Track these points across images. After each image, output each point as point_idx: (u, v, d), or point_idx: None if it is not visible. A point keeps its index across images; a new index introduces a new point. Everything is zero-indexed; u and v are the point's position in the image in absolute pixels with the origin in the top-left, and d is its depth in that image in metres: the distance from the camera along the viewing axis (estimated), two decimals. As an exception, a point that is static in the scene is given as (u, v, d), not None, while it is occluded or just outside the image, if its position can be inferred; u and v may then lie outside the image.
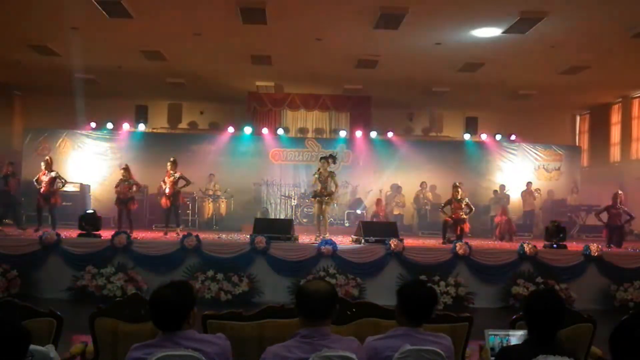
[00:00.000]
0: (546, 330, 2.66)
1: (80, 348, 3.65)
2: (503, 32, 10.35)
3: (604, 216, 11.31)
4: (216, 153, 15.49)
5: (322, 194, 10.55)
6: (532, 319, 2.70)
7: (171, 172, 10.98)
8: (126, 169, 11.09)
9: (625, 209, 11.21)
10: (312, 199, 11.13)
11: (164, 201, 11.08)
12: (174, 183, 10.94)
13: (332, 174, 10.65)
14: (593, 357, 3.77)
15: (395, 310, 3.08)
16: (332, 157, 10.73)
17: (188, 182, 11.20)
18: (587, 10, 9.41)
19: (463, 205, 10.90)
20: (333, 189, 10.68)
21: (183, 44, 11.84)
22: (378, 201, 14.30)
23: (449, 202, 11.06)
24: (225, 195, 14.58)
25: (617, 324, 2.19)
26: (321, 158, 10.81)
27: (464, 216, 10.87)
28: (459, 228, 10.75)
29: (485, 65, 12.68)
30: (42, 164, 10.94)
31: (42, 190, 10.74)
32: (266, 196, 15.50)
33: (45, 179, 10.74)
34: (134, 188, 11.11)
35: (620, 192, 11.39)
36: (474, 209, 11.54)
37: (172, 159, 11.15)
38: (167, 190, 10.96)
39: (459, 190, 10.97)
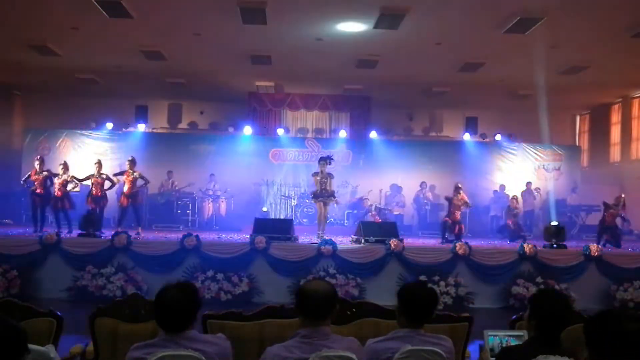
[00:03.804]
0: (551, 330, 2.65)
1: (80, 348, 3.65)
2: (503, 32, 10.34)
3: (601, 214, 11.36)
4: (216, 153, 15.47)
5: (323, 195, 10.57)
6: (538, 319, 2.69)
7: (130, 170, 10.88)
8: (98, 164, 10.89)
9: (624, 214, 11.29)
10: (313, 200, 11.14)
11: (123, 200, 10.92)
12: (133, 182, 10.86)
13: (330, 175, 10.69)
14: (593, 357, 3.76)
15: (395, 311, 3.08)
16: (330, 158, 10.87)
17: (147, 182, 11.16)
18: (587, 11, 9.39)
19: (461, 205, 11.06)
20: (331, 189, 10.73)
21: (183, 44, 11.82)
22: None
23: (449, 201, 11.20)
24: (225, 195, 14.57)
25: (591, 319, 2.08)
26: (320, 159, 10.85)
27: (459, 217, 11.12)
28: (457, 227, 10.89)
29: (485, 65, 12.66)
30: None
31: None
32: (266, 196, 15.48)
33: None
34: (106, 184, 10.85)
35: (623, 195, 11.39)
36: (470, 204, 11.71)
37: (130, 158, 11.11)
38: (125, 189, 10.87)
39: (460, 192, 11.09)
